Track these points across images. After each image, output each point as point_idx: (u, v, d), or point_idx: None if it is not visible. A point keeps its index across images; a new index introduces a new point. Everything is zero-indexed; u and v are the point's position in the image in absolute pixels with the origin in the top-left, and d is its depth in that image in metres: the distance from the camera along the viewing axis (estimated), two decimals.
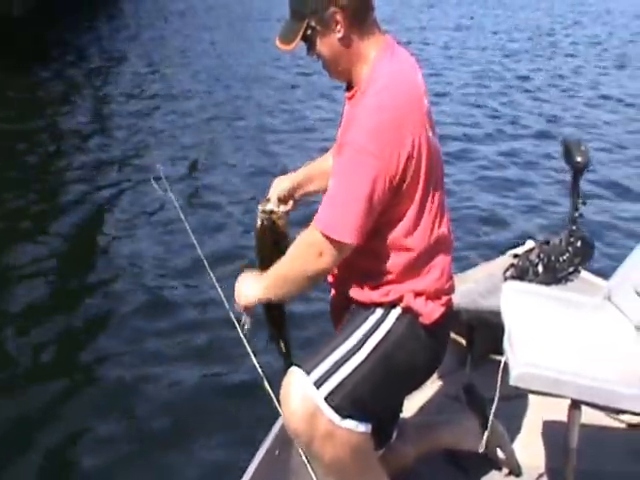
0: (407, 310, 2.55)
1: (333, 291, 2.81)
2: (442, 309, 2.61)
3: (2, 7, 16.84)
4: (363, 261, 2.50)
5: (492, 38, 25.19)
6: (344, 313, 2.70)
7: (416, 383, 2.82)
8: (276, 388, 2.61)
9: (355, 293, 2.60)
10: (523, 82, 16.67)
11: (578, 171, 4.24)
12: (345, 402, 2.43)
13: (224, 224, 7.58)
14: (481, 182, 9.19)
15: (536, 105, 14.17)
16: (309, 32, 2.48)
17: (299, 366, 2.47)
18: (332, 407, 2.41)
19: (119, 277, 6.57)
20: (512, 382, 2.66)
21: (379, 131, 2.35)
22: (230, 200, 8.33)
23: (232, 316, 2.89)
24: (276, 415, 2.66)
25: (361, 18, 2.50)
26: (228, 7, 26.88)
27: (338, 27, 2.46)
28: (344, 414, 2.43)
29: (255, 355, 2.84)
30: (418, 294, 2.54)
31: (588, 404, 2.71)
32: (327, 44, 2.50)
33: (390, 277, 2.53)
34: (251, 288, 2.61)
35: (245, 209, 7.85)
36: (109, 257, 7.05)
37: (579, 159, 4.19)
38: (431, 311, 2.57)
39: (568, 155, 4.25)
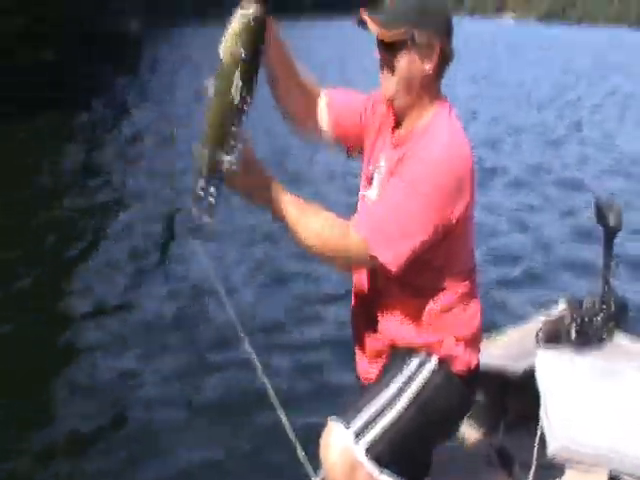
0: (445, 357, 2.55)
1: (367, 335, 2.72)
2: (477, 355, 2.65)
3: (36, 51, 17.21)
4: (409, 302, 2.51)
5: (512, 90, 25.68)
6: (376, 360, 2.68)
7: (450, 431, 2.85)
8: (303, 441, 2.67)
9: (396, 335, 2.59)
10: (549, 135, 16.83)
11: (611, 232, 4.21)
12: (384, 454, 2.43)
13: (247, 266, 7.59)
14: (511, 239, 9.14)
15: (560, 157, 14.23)
16: (407, 39, 2.42)
17: (340, 418, 2.45)
18: (372, 459, 2.41)
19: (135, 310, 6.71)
20: (549, 455, 2.63)
21: (449, 181, 2.37)
22: (249, 240, 8.44)
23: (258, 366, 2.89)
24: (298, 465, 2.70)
25: (443, 70, 2.53)
26: None
27: (431, 63, 2.45)
28: (383, 466, 2.42)
29: (283, 407, 2.84)
30: (458, 339, 2.56)
31: (628, 476, 2.66)
32: (412, 67, 2.46)
33: (433, 319, 2.54)
34: (260, 192, 2.35)
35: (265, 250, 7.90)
36: (123, 295, 7.11)
37: (611, 219, 4.16)
38: (469, 358, 2.59)
39: (600, 216, 4.22)
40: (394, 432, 2.45)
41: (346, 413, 2.48)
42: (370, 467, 2.40)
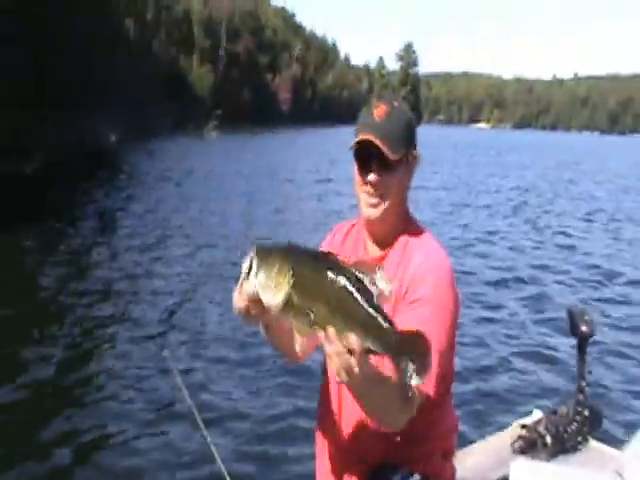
0: (427, 472, 2.48)
1: (340, 452, 2.59)
2: (454, 466, 2.61)
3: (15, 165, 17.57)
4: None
5: (485, 197, 26.34)
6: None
7: None
8: None
9: (378, 452, 2.49)
10: (522, 242, 17.13)
11: (583, 340, 4.28)
12: None
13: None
14: (487, 350, 9.12)
15: (532, 267, 14.44)
16: (404, 158, 2.46)
17: None
18: None
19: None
20: None
21: (452, 288, 2.41)
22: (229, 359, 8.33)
23: None
24: None
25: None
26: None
27: (411, 177, 2.53)
28: None
29: None
30: (441, 451, 2.53)
31: None
32: (403, 184, 2.50)
33: (419, 433, 2.46)
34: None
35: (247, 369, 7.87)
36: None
37: (584, 329, 4.23)
38: (450, 470, 2.57)
39: (573, 324, 4.28)
40: None
41: None
42: None
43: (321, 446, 2.68)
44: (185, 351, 8.46)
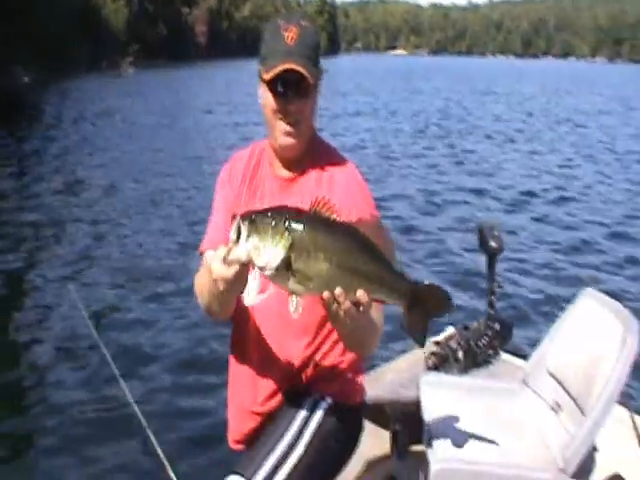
0: (339, 393, 2.50)
1: (256, 381, 2.55)
2: (363, 385, 2.61)
3: None
4: (316, 341, 2.46)
5: (401, 122, 26.60)
6: (263, 409, 2.54)
7: (347, 461, 2.68)
8: None
9: (294, 376, 2.49)
10: (436, 162, 17.42)
11: (493, 255, 4.33)
12: None
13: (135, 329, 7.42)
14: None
15: (444, 186, 14.70)
16: (319, 80, 2.41)
17: (239, 473, 2.33)
18: None
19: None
20: (432, 479, 2.65)
21: (374, 202, 2.45)
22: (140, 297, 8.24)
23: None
24: None
25: None
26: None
27: (318, 96, 2.45)
28: None
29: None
30: (352, 372, 2.52)
31: None
32: (315, 106, 2.44)
33: (335, 354, 2.48)
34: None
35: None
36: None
37: (493, 244, 4.28)
38: (360, 389, 2.57)
39: (482, 240, 4.33)
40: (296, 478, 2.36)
41: (247, 467, 2.35)
42: None
43: (234, 375, 2.64)
44: (94, 286, 8.35)
